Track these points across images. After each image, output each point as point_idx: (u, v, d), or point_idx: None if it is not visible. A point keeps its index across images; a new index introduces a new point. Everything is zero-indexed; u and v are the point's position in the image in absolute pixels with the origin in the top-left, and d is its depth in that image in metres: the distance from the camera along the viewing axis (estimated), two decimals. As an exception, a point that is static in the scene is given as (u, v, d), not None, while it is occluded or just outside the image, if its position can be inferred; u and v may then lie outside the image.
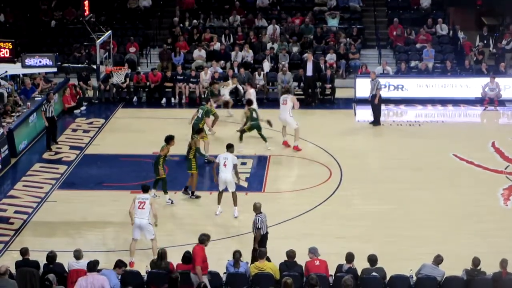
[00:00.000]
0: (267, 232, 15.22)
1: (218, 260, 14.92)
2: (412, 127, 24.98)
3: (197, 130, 20.26)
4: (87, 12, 20.49)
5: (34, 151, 22.83)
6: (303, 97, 27.51)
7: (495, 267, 13.49)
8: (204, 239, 13.99)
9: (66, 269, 13.78)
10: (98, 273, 13.05)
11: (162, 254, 13.90)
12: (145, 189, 16.01)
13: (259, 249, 14.10)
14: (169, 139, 18.72)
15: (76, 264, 13.69)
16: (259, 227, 15.01)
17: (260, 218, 15.06)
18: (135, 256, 15.72)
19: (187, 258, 13.93)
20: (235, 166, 17.73)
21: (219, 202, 18.06)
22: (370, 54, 31.04)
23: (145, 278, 13.76)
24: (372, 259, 13.59)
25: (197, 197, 19.02)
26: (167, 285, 13.16)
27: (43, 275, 13.75)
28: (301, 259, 13.89)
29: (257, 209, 15.17)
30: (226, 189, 17.98)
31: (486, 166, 21.05)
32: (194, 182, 18.96)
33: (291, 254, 13.83)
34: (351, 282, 12.61)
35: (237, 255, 13.78)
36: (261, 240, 15.01)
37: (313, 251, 13.90)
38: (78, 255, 13.83)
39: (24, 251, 13.97)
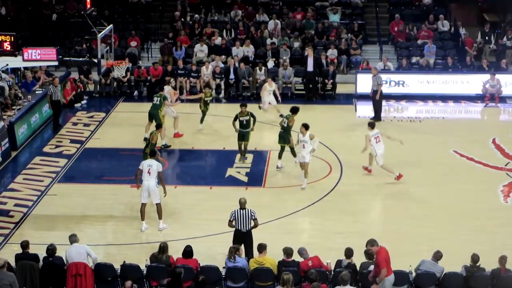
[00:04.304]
0: (248, 231, 14.97)
1: (217, 254, 14.98)
2: (412, 123, 24.98)
3: (157, 125, 20.30)
4: (88, 6, 20.48)
5: (35, 145, 22.85)
6: (304, 92, 27.56)
7: (494, 263, 13.51)
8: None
9: (65, 260, 13.83)
10: None
11: (163, 248, 13.92)
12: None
13: (259, 243, 14.08)
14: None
15: (75, 249, 13.73)
16: (231, 219, 15.00)
17: (233, 214, 14.99)
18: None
19: (188, 252, 13.93)
20: (159, 174, 17.01)
21: (143, 218, 16.97)
22: (371, 50, 31.04)
23: (145, 272, 13.79)
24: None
25: None
26: (170, 279, 13.19)
27: (43, 268, 13.79)
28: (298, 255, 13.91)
29: (240, 204, 15.13)
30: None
31: (486, 162, 21.05)
32: None
33: (289, 252, 13.82)
34: (348, 277, 12.65)
35: (231, 249, 13.83)
36: (237, 237, 14.89)
37: (301, 253, 13.87)
38: (75, 239, 13.90)
39: (25, 245, 13.99)
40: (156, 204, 16.98)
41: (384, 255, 13.14)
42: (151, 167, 16.92)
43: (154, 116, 21.94)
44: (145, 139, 21.40)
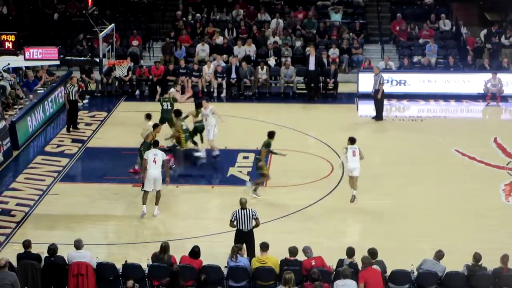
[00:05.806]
0: (249, 230, 14.98)
1: (219, 254, 14.98)
2: (414, 122, 24.97)
3: (154, 125, 19.77)
4: (90, 5, 20.52)
5: (36, 144, 22.86)
6: (306, 91, 27.55)
7: (496, 262, 13.50)
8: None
9: (67, 261, 13.80)
10: None
11: (164, 248, 13.91)
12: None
13: (262, 242, 14.06)
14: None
15: (77, 255, 13.70)
16: (232, 220, 14.99)
17: (234, 214, 14.99)
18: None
19: (196, 253, 13.88)
20: (164, 163, 17.36)
21: (144, 202, 17.41)
22: (373, 49, 31.04)
23: (146, 272, 13.78)
24: (373, 252, 13.58)
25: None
26: (169, 279, 13.19)
27: (44, 268, 13.79)
28: (302, 254, 13.88)
29: (241, 204, 15.12)
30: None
31: (488, 161, 21.04)
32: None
33: (293, 251, 13.81)
34: (349, 272, 12.74)
35: (233, 248, 13.83)
36: (239, 237, 14.87)
37: (305, 251, 13.85)
38: (78, 245, 13.85)
39: (27, 244, 13.98)
40: (157, 191, 17.36)
41: (363, 273, 13.05)
42: (156, 156, 17.26)
43: (168, 120, 21.56)
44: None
